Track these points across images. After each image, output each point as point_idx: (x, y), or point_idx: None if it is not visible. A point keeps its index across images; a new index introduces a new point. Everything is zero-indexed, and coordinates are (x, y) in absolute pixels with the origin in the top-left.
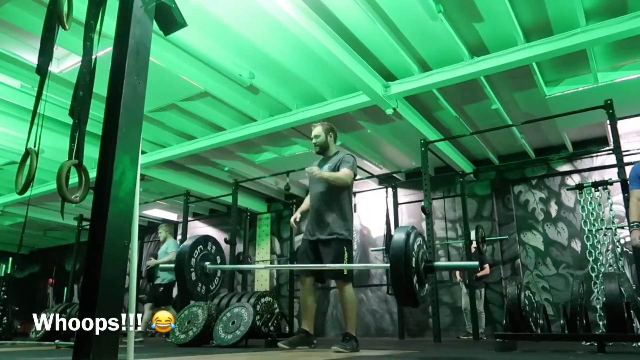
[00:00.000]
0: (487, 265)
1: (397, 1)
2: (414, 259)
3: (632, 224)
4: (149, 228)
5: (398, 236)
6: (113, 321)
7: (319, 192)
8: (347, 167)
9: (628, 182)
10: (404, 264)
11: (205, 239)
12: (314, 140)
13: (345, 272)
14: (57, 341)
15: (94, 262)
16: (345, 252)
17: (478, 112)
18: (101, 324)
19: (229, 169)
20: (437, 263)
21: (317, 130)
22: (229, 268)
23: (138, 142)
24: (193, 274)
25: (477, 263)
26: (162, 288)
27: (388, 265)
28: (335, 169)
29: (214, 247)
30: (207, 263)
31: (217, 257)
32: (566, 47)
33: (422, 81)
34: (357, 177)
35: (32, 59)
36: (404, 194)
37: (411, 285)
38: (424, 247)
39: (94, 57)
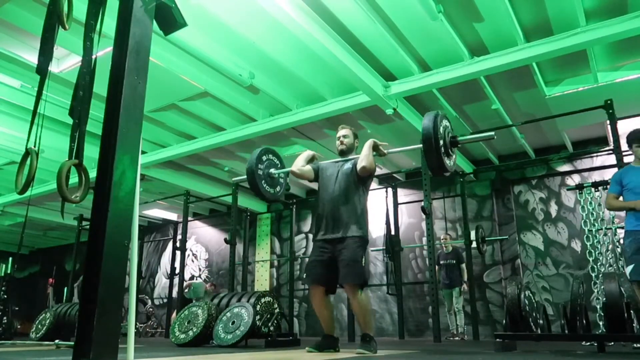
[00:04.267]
0: (463, 265)
1: (397, 1)
2: (440, 135)
3: (626, 208)
4: (149, 228)
5: (428, 119)
6: (113, 321)
7: (339, 189)
8: None
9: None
10: (434, 137)
11: (268, 150)
12: (342, 139)
13: (358, 278)
14: (57, 341)
15: (94, 262)
16: (363, 254)
17: (478, 112)
18: (101, 324)
19: (229, 169)
20: (460, 137)
21: (347, 131)
22: (288, 171)
23: (138, 142)
24: (262, 177)
25: (493, 133)
26: None
27: (421, 145)
28: (352, 169)
29: (275, 157)
30: (272, 169)
31: (279, 165)
32: (566, 47)
33: (422, 81)
34: None
35: (32, 59)
36: (404, 194)
37: (440, 155)
38: (449, 127)
39: (94, 57)
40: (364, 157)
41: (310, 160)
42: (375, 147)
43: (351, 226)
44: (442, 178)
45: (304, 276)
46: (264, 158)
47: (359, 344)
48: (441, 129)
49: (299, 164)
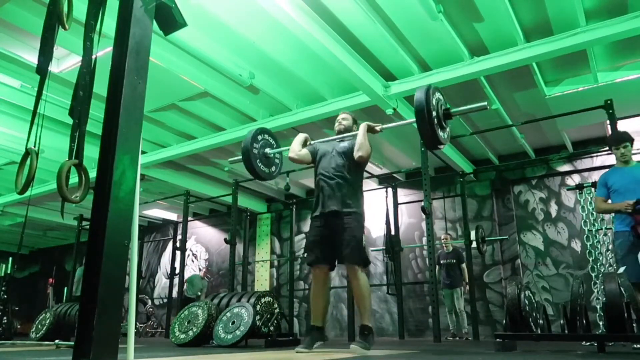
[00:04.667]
0: (464, 265)
1: (397, 1)
2: (433, 108)
3: (613, 211)
4: (149, 228)
5: (420, 92)
6: (113, 321)
7: (335, 166)
8: None
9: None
10: (426, 109)
11: (264, 130)
12: (340, 120)
13: (361, 258)
14: (57, 341)
15: (94, 262)
16: (363, 233)
17: (478, 112)
18: (101, 324)
19: (229, 169)
20: (453, 110)
21: (346, 115)
22: (284, 150)
23: (138, 142)
24: (257, 156)
25: (485, 103)
26: None
27: (414, 119)
28: (350, 149)
29: (270, 137)
30: (267, 149)
31: (275, 144)
32: (566, 47)
33: (422, 81)
34: None
35: (32, 59)
36: (404, 194)
37: (433, 126)
38: (442, 99)
39: (94, 57)
40: (360, 146)
41: (305, 143)
42: (370, 130)
43: (348, 201)
44: (442, 178)
45: (304, 256)
46: (259, 138)
47: (357, 337)
48: (434, 101)
49: (296, 149)
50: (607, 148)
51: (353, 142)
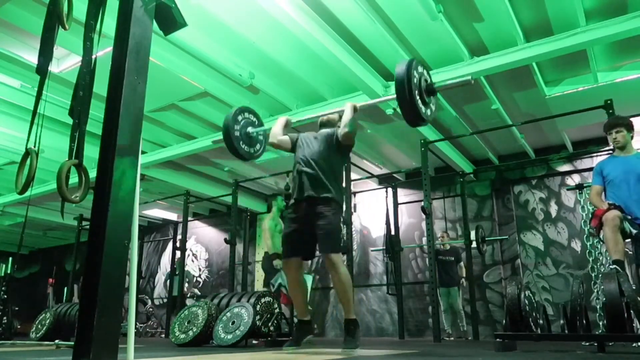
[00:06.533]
0: (462, 263)
1: (397, 1)
2: (415, 82)
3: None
4: (149, 228)
5: (401, 64)
6: (113, 321)
7: (315, 150)
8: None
9: None
10: (407, 84)
11: (245, 109)
12: (327, 115)
13: (338, 247)
14: (57, 341)
15: (94, 262)
16: (340, 222)
17: (478, 112)
18: (101, 324)
19: (229, 169)
20: (436, 84)
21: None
22: (267, 129)
23: (138, 142)
24: (239, 137)
25: (469, 77)
26: None
27: (394, 96)
28: (334, 137)
29: (252, 115)
30: (249, 128)
31: (257, 123)
32: (566, 47)
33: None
34: (357, 177)
35: (32, 59)
36: (404, 194)
37: (413, 100)
38: (425, 73)
39: (94, 57)
40: (346, 123)
41: (287, 126)
42: (355, 109)
43: (327, 187)
44: (442, 178)
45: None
46: (240, 118)
47: (343, 337)
48: (415, 76)
49: (277, 133)
50: (607, 148)
51: (335, 129)
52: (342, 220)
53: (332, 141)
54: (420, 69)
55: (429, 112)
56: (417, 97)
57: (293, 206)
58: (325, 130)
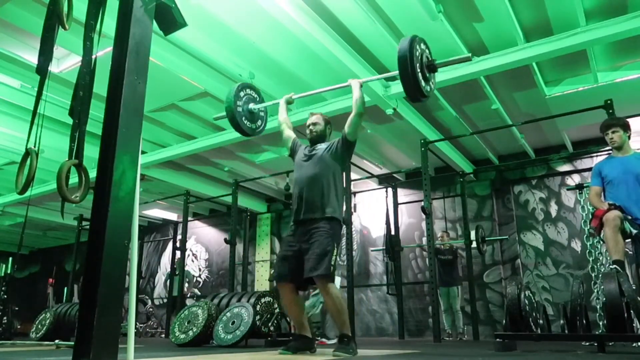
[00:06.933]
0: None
1: (397, 1)
2: (417, 56)
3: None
4: (149, 228)
5: (404, 41)
6: (113, 321)
7: (312, 169)
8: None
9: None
10: (410, 58)
11: (246, 85)
12: (311, 127)
13: (328, 269)
14: (57, 341)
15: (94, 262)
16: (334, 244)
17: (478, 112)
18: (101, 324)
19: (229, 169)
20: (437, 62)
21: (317, 118)
22: (268, 104)
23: (138, 142)
24: (241, 113)
25: (470, 55)
26: None
27: (397, 72)
28: (332, 148)
29: (253, 92)
30: (251, 104)
31: (259, 99)
32: (566, 47)
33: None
34: (357, 177)
35: (32, 59)
36: (404, 194)
37: (415, 75)
38: (427, 50)
39: (94, 57)
40: (357, 100)
41: (289, 102)
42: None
43: (322, 208)
44: (442, 178)
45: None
46: (242, 94)
47: (336, 346)
48: (418, 52)
49: (281, 114)
50: (607, 148)
51: (330, 144)
52: (337, 243)
53: (334, 150)
54: (422, 45)
55: (428, 87)
56: (419, 72)
57: (292, 229)
58: (321, 146)
